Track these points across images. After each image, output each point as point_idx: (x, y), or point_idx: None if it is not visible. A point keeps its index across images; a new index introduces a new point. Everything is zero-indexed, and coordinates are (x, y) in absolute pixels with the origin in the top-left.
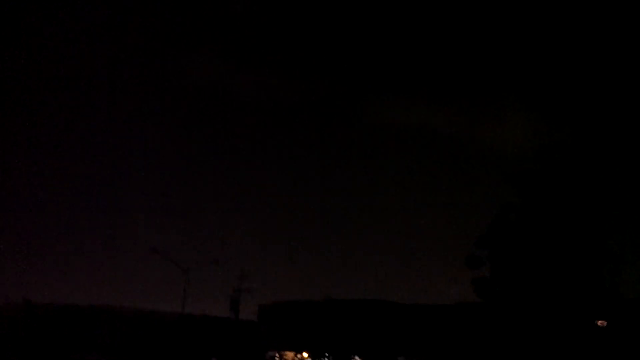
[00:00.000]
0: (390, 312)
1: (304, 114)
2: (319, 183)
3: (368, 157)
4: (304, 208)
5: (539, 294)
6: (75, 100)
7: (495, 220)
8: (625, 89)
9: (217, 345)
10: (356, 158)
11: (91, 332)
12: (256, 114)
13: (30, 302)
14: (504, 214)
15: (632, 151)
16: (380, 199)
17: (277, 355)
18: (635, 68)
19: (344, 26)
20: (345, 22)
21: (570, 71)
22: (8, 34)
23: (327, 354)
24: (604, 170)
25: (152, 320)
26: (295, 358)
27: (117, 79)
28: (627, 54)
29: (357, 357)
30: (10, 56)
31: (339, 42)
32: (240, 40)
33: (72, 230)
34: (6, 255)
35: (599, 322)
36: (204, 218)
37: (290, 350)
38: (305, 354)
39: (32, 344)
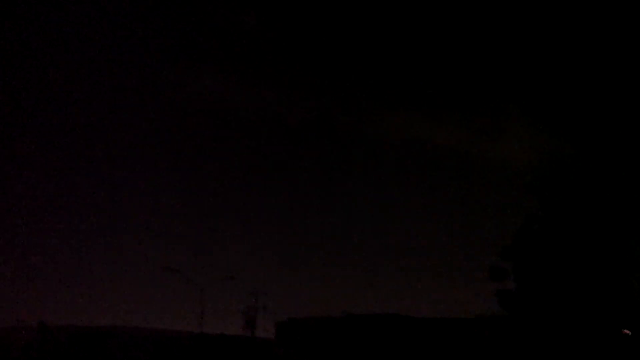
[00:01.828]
0: (409, 327)
1: (309, 129)
2: (334, 198)
3: (382, 173)
4: (319, 224)
5: (566, 304)
6: (81, 119)
7: (519, 231)
8: (632, 93)
9: None
10: (373, 172)
11: (107, 354)
12: (260, 130)
13: (45, 325)
14: (528, 225)
15: None
16: (397, 212)
17: None
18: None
19: (343, 41)
20: (344, 38)
21: (572, 78)
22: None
23: None
24: (625, 177)
25: (168, 340)
26: None
27: (121, 95)
28: (625, 59)
29: None
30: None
31: (339, 57)
32: (240, 55)
33: (85, 252)
34: (20, 277)
35: (624, 332)
36: (217, 235)
37: None
38: None
39: None
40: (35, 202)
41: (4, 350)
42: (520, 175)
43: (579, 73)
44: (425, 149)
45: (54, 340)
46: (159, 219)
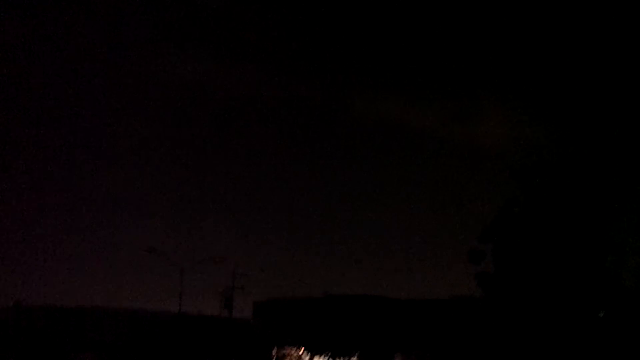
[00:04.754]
0: (388, 308)
1: (295, 110)
2: (316, 179)
3: (363, 154)
4: (299, 204)
5: (543, 287)
6: (64, 99)
7: (499, 214)
8: (613, 80)
9: (213, 344)
10: (352, 154)
11: (84, 333)
12: (246, 111)
13: (21, 305)
14: (508, 208)
15: (631, 140)
16: (377, 195)
17: (281, 351)
18: (619, 59)
19: (329, 22)
20: (330, 18)
21: (551, 64)
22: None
23: (327, 352)
24: (604, 161)
25: (146, 319)
26: (299, 355)
27: (104, 76)
28: (603, 44)
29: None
30: None
31: (325, 38)
32: (227, 36)
33: (63, 231)
34: None
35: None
36: (197, 216)
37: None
38: (301, 351)
39: (23, 347)
40: (12, 183)
41: None
42: (500, 159)
43: (557, 58)
44: (403, 132)
45: (30, 320)
46: (139, 199)
